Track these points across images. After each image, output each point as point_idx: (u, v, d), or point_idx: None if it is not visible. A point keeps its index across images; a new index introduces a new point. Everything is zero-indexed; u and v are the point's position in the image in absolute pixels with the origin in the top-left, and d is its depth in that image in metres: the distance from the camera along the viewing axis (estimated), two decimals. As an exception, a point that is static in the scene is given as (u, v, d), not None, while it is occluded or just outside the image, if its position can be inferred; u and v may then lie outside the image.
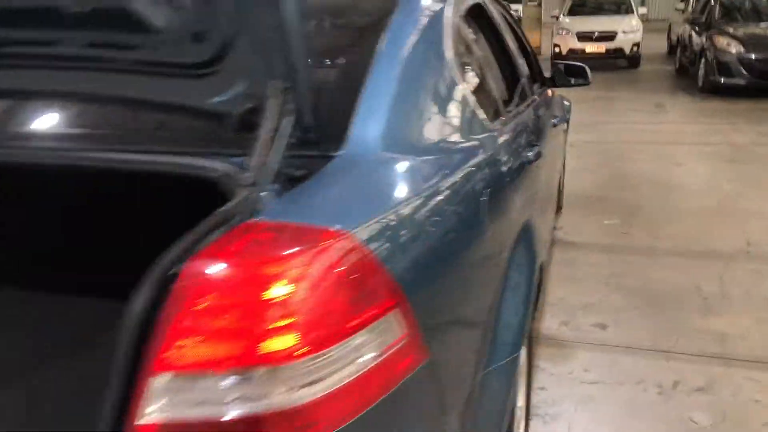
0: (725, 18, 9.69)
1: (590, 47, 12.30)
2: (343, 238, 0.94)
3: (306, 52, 1.07)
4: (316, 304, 0.89)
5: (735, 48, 8.76)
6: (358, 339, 0.93)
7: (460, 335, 1.27)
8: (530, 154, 1.87)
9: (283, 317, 0.86)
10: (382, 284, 0.98)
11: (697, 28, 10.05)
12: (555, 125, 2.79)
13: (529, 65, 3.26)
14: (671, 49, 13.36)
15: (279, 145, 1.02)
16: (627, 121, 7.75)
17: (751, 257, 3.66)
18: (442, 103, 1.48)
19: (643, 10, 13.35)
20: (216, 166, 1.06)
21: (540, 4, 14.97)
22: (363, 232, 0.98)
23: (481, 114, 1.63)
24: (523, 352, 1.86)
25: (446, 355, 1.17)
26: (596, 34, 12.25)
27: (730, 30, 9.14)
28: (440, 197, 1.23)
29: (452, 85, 1.53)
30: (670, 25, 14.29)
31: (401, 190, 1.17)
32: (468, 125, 1.54)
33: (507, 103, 2.15)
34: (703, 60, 9.24)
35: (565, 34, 12.51)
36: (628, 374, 2.54)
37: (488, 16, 2.30)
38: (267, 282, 0.86)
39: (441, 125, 1.44)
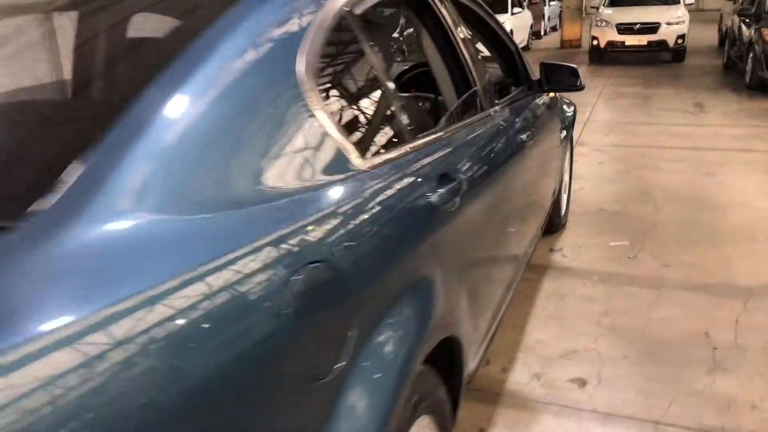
0: (777, 9, 8.85)
1: (631, 39, 11.57)
2: None
3: None
4: None
5: (786, 42, 7.97)
6: None
7: None
8: (438, 193, 1.40)
9: None
10: None
11: (746, 20, 9.23)
12: (523, 142, 2.29)
13: (511, 67, 2.79)
14: (722, 42, 12.46)
15: None
16: (661, 122, 7.09)
17: (778, 295, 3.09)
18: (268, 137, 1.05)
19: (690, -1, 12.50)
20: None
21: (581, -6, 14.27)
22: None
23: (348, 149, 1.19)
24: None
25: None
26: (638, 25, 11.51)
27: (782, 22, 8.33)
28: (197, 288, 0.80)
29: (295, 112, 1.10)
30: (721, 16, 13.36)
31: (112, 287, 0.74)
32: (312, 166, 1.10)
33: (427, 125, 1.68)
34: (751, 54, 8.46)
35: (605, 25, 11.80)
36: (601, 452, 2.07)
37: (424, 12, 1.84)
38: None
39: (257, 169, 1.01)
